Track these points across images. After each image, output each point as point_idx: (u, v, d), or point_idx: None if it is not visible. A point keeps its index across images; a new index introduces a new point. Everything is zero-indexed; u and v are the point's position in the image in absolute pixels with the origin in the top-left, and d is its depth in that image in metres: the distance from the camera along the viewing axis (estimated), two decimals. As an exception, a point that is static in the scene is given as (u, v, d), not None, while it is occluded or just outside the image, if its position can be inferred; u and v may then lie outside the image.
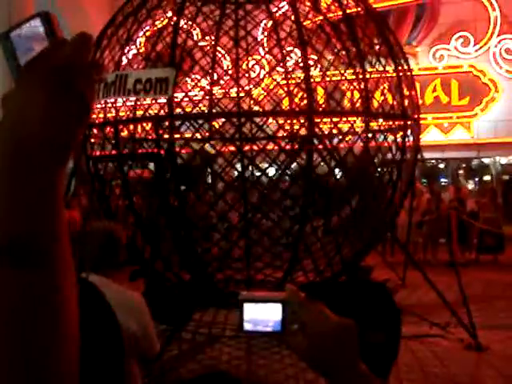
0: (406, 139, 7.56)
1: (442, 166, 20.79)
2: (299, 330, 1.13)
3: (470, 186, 20.35)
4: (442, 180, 20.67)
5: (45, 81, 0.85)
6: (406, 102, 7.50)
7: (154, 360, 3.41)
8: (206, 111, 8.43)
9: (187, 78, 8.76)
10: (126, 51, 7.24)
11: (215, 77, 8.86)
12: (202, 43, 8.66)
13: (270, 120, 8.68)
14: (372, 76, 7.23)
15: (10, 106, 0.87)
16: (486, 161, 20.04)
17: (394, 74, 7.36)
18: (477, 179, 20.67)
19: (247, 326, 1.17)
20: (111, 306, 2.79)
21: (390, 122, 7.61)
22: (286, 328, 1.14)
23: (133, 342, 3.00)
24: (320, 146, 7.01)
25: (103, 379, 2.57)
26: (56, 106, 0.85)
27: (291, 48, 8.72)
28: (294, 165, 7.89)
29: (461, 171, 21.10)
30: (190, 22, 7.81)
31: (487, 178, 20.14)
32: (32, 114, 0.84)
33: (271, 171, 8.69)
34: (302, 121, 7.23)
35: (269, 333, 1.16)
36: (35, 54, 0.88)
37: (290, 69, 8.51)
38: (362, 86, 6.99)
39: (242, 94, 8.52)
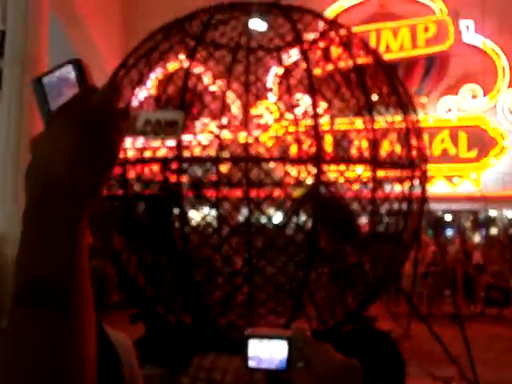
0: (413, 190, 7.55)
1: (448, 217, 20.74)
2: (304, 369, 1.10)
3: (477, 238, 20.28)
4: (449, 232, 20.61)
5: (74, 127, 0.87)
6: (414, 153, 7.51)
7: None
8: (214, 155, 8.47)
9: (196, 122, 8.82)
10: (136, 93, 7.32)
11: (224, 121, 8.92)
12: (212, 87, 8.74)
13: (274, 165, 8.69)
14: (381, 125, 7.26)
15: (38, 149, 0.89)
16: (492, 214, 20.00)
17: (403, 124, 7.39)
18: (483, 232, 20.59)
19: (252, 364, 1.15)
20: (116, 348, 2.76)
21: (398, 172, 7.61)
22: (290, 366, 1.12)
23: None
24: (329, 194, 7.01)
25: None
26: (83, 153, 0.87)
27: (301, 95, 8.79)
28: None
29: (467, 223, 21.04)
30: (201, 67, 7.90)
31: (494, 230, 20.06)
32: (59, 159, 0.86)
33: (277, 217, 8.66)
34: (310, 168, 7.24)
35: (273, 370, 1.14)
36: (66, 100, 0.90)
37: (300, 116, 8.56)
38: (371, 136, 7.02)
39: (250, 140, 8.56)
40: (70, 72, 0.92)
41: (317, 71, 7.72)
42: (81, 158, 0.86)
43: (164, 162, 7.13)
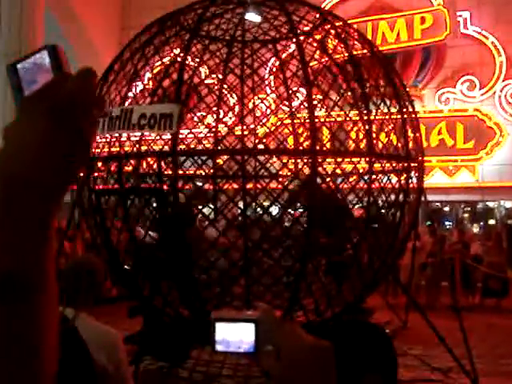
0: (410, 181, 7.54)
1: (446, 208, 20.74)
2: (273, 351, 1.07)
3: (475, 229, 20.28)
4: (447, 223, 20.61)
5: (44, 117, 0.83)
6: (411, 144, 7.49)
7: None
8: (211, 148, 8.46)
9: (192, 115, 8.81)
10: (132, 86, 7.28)
11: (220, 114, 8.90)
12: (208, 80, 8.72)
13: (274, 158, 8.69)
14: (377, 117, 7.23)
15: (8, 138, 0.84)
16: (490, 204, 20.00)
17: (399, 116, 7.36)
18: (481, 223, 20.59)
19: (219, 347, 1.13)
20: (84, 342, 2.75)
21: (394, 164, 7.59)
22: (259, 349, 1.09)
23: (103, 376, 2.96)
24: (323, 186, 6.99)
25: None
26: (52, 144, 0.82)
27: (297, 88, 8.78)
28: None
29: (465, 214, 21.04)
30: (196, 60, 7.88)
31: (492, 221, 20.07)
32: (26, 151, 0.82)
33: (274, 210, 8.67)
34: (306, 160, 7.22)
35: (241, 354, 1.12)
36: (38, 88, 0.85)
37: (295, 108, 8.55)
38: (367, 127, 6.99)
39: (246, 132, 8.55)
40: (44, 58, 0.88)
41: (313, 63, 7.70)
42: (49, 150, 0.82)
43: (159, 156, 7.10)
